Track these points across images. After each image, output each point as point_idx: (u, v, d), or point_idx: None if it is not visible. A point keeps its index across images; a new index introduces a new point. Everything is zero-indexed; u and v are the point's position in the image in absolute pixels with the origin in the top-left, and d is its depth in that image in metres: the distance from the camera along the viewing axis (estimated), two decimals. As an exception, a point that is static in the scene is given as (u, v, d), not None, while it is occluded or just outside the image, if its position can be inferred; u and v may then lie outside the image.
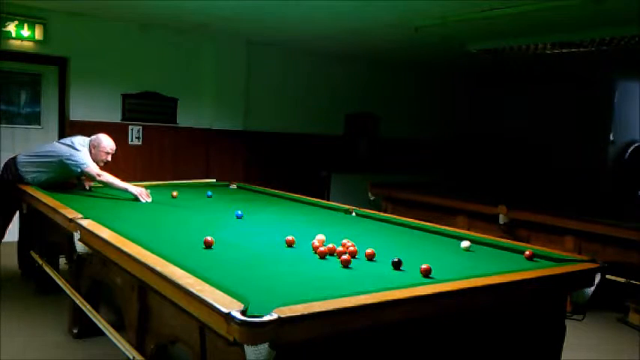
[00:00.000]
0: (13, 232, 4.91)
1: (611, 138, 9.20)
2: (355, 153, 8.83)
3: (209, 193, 4.66)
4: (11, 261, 4.92)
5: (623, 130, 9.36)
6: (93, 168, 4.27)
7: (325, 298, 1.73)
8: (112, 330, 2.69)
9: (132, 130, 6.77)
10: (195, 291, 1.76)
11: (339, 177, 8.39)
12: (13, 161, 4.47)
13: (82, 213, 3.13)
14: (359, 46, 7.42)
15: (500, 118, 10.12)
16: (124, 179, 4.32)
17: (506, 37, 6.23)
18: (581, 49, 6.15)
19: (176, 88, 7.05)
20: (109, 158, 4.47)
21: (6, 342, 3.43)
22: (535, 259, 2.69)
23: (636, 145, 9.50)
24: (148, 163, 6.88)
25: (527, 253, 2.70)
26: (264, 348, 1.50)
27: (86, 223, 2.88)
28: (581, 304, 2.91)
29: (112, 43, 6.55)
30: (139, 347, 2.36)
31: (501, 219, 4.90)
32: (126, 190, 4.18)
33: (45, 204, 3.61)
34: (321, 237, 2.74)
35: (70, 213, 3.16)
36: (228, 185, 5.51)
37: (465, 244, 2.92)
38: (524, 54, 6.62)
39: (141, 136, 6.83)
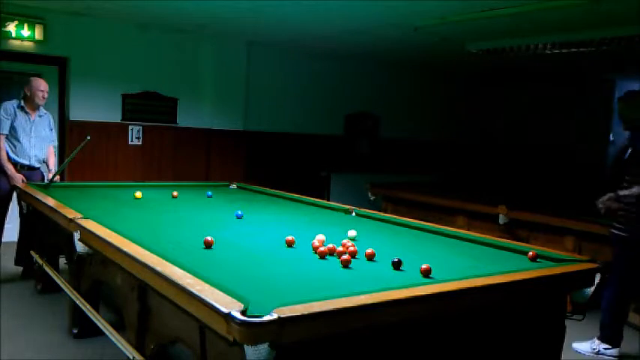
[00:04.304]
0: (13, 232, 4.92)
1: (611, 138, 9.19)
2: (355, 153, 8.84)
3: (209, 193, 4.67)
4: (11, 261, 4.91)
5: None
6: None
7: (325, 298, 1.73)
8: (112, 330, 2.69)
9: (132, 130, 6.77)
10: (195, 291, 1.76)
11: (339, 177, 8.39)
12: None
13: (82, 213, 3.13)
14: (359, 46, 7.42)
15: (499, 117, 10.12)
16: (124, 179, 4.34)
17: (506, 37, 6.23)
18: (581, 49, 6.15)
19: (176, 88, 7.05)
20: (45, 95, 4.86)
21: (6, 342, 3.43)
22: (538, 260, 2.69)
23: (636, 145, 9.48)
24: (148, 163, 6.88)
25: (530, 254, 2.70)
26: (264, 348, 1.50)
27: (86, 223, 2.88)
28: (581, 304, 2.91)
29: (112, 43, 6.54)
30: (139, 347, 2.36)
31: (501, 219, 4.90)
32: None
33: (45, 204, 3.61)
34: (321, 237, 2.74)
35: (70, 213, 3.16)
36: (228, 185, 5.51)
37: (352, 233, 2.94)
38: (524, 54, 6.62)
39: (141, 136, 6.83)
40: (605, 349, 3.77)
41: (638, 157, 3.80)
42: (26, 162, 4.76)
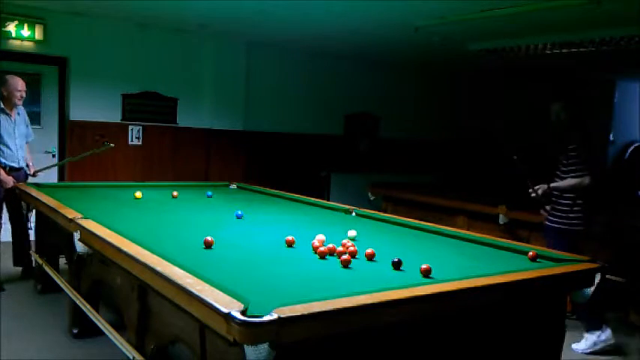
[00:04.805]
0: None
1: (611, 138, 9.20)
2: (355, 153, 8.84)
3: (209, 193, 4.67)
4: (11, 261, 4.91)
5: (623, 130, 9.36)
6: None
7: (325, 299, 1.73)
8: (112, 330, 2.69)
9: (132, 130, 6.77)
10: (195, 291, 1.76)
11: (339, 177, 8.38)
12: None
13: (82, 213, 3.13)
14: (359, 46, 7.42)
15: (499, 117, 10.11)
16: (124, 179, 4.33)
17: (506, 37, 6.23)
18: (581, 49, 6.15)
19: (176, 88, 7.05)
20: (23, 94, 4.73)
21: (6, 342, 3.43)
22: (538, 260, 2.69)
23: (636, 145, 9.50)
24: (148, 163, 6.88)
25: (530, 254, 2.70)
26: (264, 348, 1.50)
27: (86, 223, 2.88)
28: (581, 304, 2.90)
29: (112, 43, 6.54)
30: (139, 347, 2.36)
31: (501, 219, 4.90)
32: None
33: (45, 204, 3.61)
34: (321, 237, 2.74)
35: (70, 213, 3.16)
36: (228, 185, 5.51)
37: (352, 233, 2.95)
38: (524, 54, 6.62)
39: (141, 136, 6.83)
40: (598, 337, 3.78)
41: (575, 153, 4.07)
42: (15, 165, 4.70)
